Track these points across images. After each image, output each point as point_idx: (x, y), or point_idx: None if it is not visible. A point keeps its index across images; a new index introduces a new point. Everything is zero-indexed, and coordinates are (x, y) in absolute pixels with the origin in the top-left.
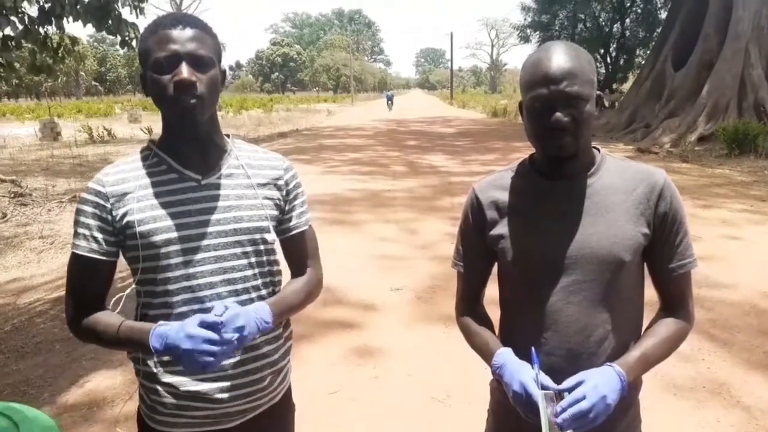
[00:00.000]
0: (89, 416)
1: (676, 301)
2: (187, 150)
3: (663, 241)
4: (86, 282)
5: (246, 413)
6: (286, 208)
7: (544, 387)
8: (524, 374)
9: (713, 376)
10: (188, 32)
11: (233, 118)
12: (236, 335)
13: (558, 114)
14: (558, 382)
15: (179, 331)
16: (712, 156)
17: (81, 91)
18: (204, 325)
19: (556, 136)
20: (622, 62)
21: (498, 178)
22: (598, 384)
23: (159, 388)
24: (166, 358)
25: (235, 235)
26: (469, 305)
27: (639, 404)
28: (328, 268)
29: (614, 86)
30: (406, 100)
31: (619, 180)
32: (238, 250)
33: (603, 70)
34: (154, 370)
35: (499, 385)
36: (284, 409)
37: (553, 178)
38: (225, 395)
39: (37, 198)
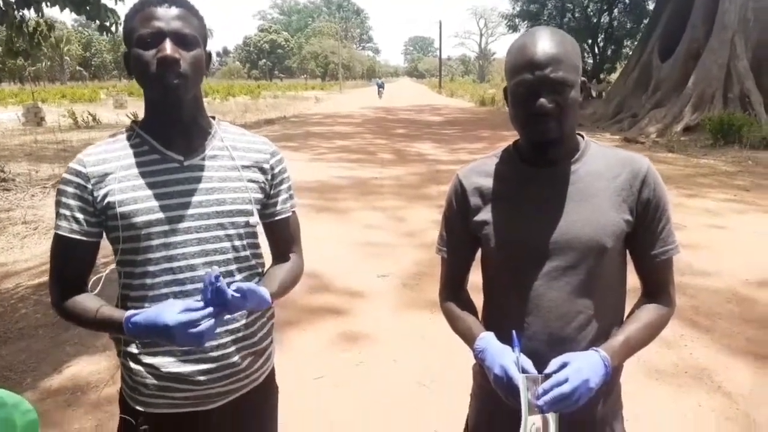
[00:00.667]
0: (72, 401)
1: (658, 287)
2: (169, 131)
3: (645, 227)
4: (68, 262)
5: (227, 395)
6: (271, 192)
7: (524, 370)
8: (505, 358)
9: (695, 362)
10: (173, 11)
11: (220, 104)
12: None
13: (542, 99)
14: (540, 366)
15: (155, 321)
16: (698, 146)
17: (65, 76)
18: (188, 310)
19: (540, 122)
20: (609, 52)
21: (482, 164)
22: (581, 367)
23: (140, 368)
24: (148, 340)
25: (218, 218)
26: (452, 291)
27: (620, 388)
28: (315, 254)
29: (602, 76)
30: (394, 88)
31: (603, 167)
32: (221, 232)
33: (591, 60)
34: (135, 351)
35: (481, 368)
36: (267, 391)
37: (537, 165)
38: (205, 377)
39: (20, 183)
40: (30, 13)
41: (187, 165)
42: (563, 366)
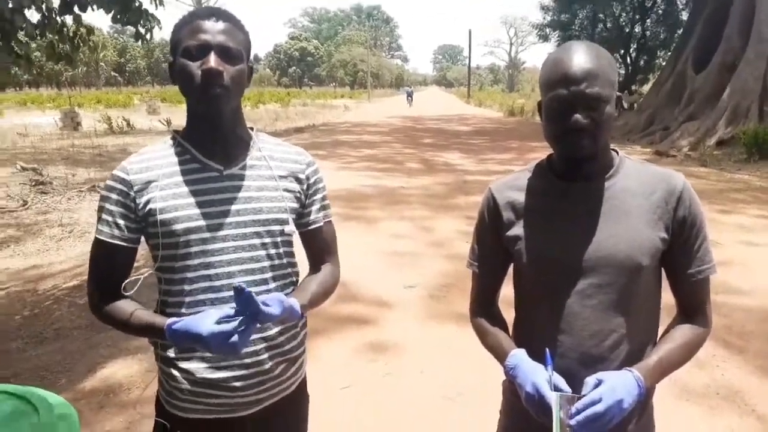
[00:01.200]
0: (105, 403)
1: (693, 306)
2: (210, 140)
3: (682, 246)
4: (108, 267)
5: (260, 402)
6: (306, 202)
7: (557, 388)
8: (538, 375)
9: (727, 383)
10: (220, 25)
11: (251, 111)
12: (276, 310)
13: (577, 115)
14: (571, 385)
15: (193, 332)
16: (732, 160)
17: (101, 82)
18: (224, 318)
19: (575, 138)
20: (642, 63)
21: (515, 178)
22: (615, 386)
23: (176, 373)
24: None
25: (255, 226)
26: (483, 306)
27: (652, 409)
28: (343, 263)
29: (633, 87)
30: (422, 97)
31: (638, 183)
32: (257, 241)
33: (623, 71)
34: (172, 356)
35: (511, 385)
36: (299, 399)
37: (571, 180)
38: (239, 383)
39: (57, 186)
40: (70, 19)
41: (227, 174)
42: (597, 385)
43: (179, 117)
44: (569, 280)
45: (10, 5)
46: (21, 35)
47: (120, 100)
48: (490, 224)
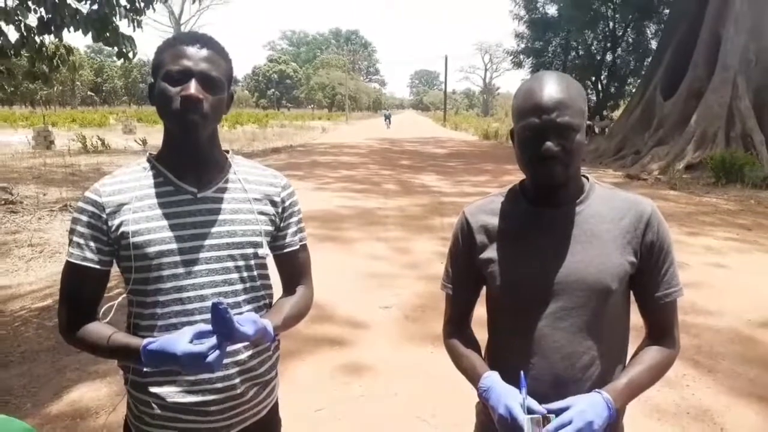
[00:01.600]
0: (72, 427)
1: (662, 329)
2: (184, 163)
3: (650, 269)
4: (79, 290)
5: (231, 427)
6: (281, 225)
7: (530, 411)
8: (510, 398)
9: (697, 403)
10: (204, 52)
11: (228, 132)
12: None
13: (549, 143)
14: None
15: (167, 352)
16: (700, 184)
17: (76, 101)
18: (197, 336)
19: (546, 165)
20: (613, 90)
21: (488, 202)
22: (585, 409)
23: (146, 398)
24: (154, 370)
25: (228, 249)
26: (456, 327)
27: (623, 430)
28: (318, 284)
29: (605, 113)
30: (400, 120)
31: (607, 208)
32: (230, 263)
33: (594, 98)
34: (142, 380)
35: (484, 407)
36: (270, 424)
37: (543, 206)
38: (211, 408)
39: (27, 206)
40: (50, 38)
41: (201, 197)
42: (566, 408)
43: (155, 137)
44: (540, 303)
45: None
46: None
47: (95, 119)
48: (464, 247)
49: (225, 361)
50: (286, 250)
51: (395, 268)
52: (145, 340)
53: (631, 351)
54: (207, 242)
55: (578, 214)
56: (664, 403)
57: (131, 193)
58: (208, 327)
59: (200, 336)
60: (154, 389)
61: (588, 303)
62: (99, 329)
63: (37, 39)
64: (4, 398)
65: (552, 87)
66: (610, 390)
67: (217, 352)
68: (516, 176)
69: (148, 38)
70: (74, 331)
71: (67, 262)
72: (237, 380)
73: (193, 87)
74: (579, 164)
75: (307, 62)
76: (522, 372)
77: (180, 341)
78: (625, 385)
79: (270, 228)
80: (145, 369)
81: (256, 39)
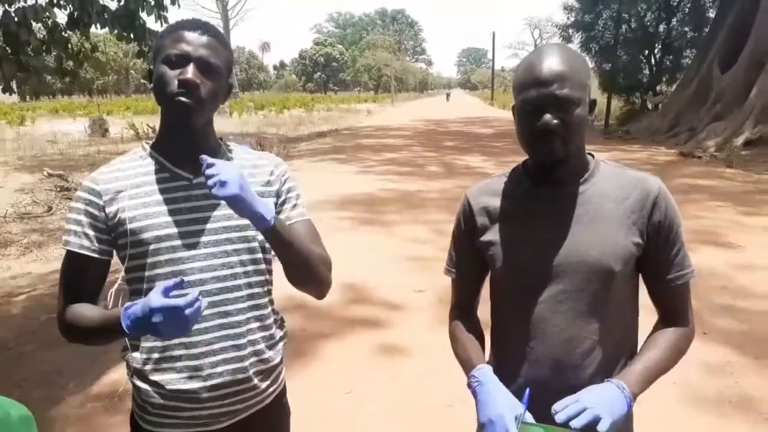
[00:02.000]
0: (110, 406)
1: (675, 313)
2: (180, 150)
3: (658, 251)
4: (78, 279)
5: (235, 414)
6: (278, 201)
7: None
8: (506, 408)
9: (740, 391)
10: (204, 38)
11: (275, 117)
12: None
13: (547, 116)
14: (543, 393)
15: (144, 307)
16: (759, 161)
17: (131, 89)
18: (167, 291)
19: (545, 139)
20: (667, 63)
21: (491, 183)
22: (602, 409)
23: (147, 387)
24: (155, 356)
25: (226, 233)
26: (461, 313)
27: (632, 417)
28: (356, 266)
29: (658, 88)
30: (445, 100)
31: (613, 187)
32: (229, 247)
33: (647, 72)
34: (143, 368)
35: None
36: (276, 411)
37: (545, 184)
38: (211, 394)
39: None
40: (76, 35)
41: (196, 183)
42: (581, 409)
43: None
44: (541, 286)
45: (15, 19)
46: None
47: (148, 107)
48: (466, 230)
49: (225, 344)
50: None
51: (434, 251)
52: (126, 304)
53: (641, 340)
54: (204, 227)
55: (581, 194)
56: (704, 390)
57: (128, 180)
58: (170, 282)
59: (167, 291)
60: (154, 377)
61: (589, 286)
62: (85, 309)
63: (65, 35)
64: (50, 377)
65: (552, 60)
66: (627, 378)
67: (198, 303)
68: None
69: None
70: (66, 315)
71: (67, 251)
72: (237, 366)
73: (191, 71)
74: (582, 141)
75: (353, 44)
76: (528, 389)
77: (154, 295)
78: (641, 373)
79: None
80: (143, 356)
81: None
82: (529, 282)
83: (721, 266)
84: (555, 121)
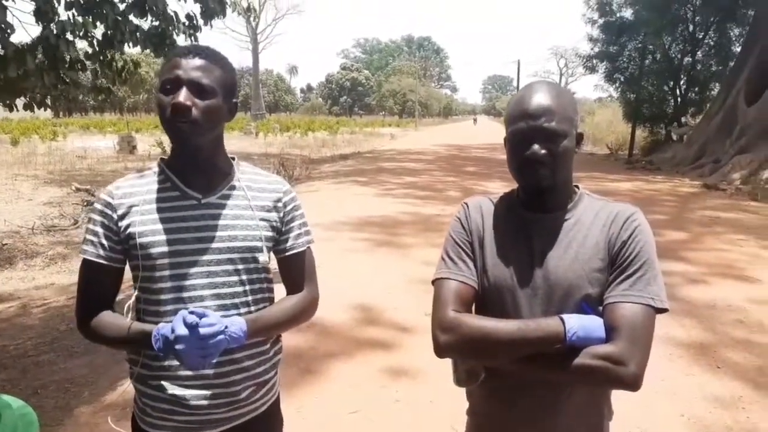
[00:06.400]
0: (122, 416)
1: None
2: (190, 169)
3: (615, 269)
4: (94, 286)
5: (229, 421)
6: (283, 229)
7: None
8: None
9: (752, 426)
10: (196, 62)
11: (300, 138)
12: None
13: (535, 146)
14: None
15: (170, 333)
16: None
17: None
18: (186, 325)
19: (533, 168)
20: (692, 95)
21: (485, 201)
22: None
23: (148, 390)
24: (156, 363)
25: (228, 253)
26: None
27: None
28: (369, 288)
29: (683, 120)
30: (471, 125)
31: (593, 217)
32: (230, 267)
33: (672, 103)
34: (144, 373)
35: (478, 389)
36: (269, 420)
37: (533, 210)
38: (204, 402)
39: None
40: (117, 53)
41: (204, 203)
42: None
43: (229, 142)
44: (521, 307)
45: (55, 31)
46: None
47: None
48: (466, 234)
49: (222, 359)
50: (288, 254)
51: None
52: (160, 324)
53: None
54: (208, 246)
55: (565, 222)
56: (715, 425)
57: (140, 196)
58: (190, 318)
59: (187, 326)
60: (154, 382)
61: (566, 309)
62: (116, 319)
63: (107, 53)
64: (65, 386)
65: (540, 95)
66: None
67: (222, 335)
68: (586, 183)
69: (229, 48)
70: (89, 323)
71: (83, 259)
72: (230, 379)
73: (182, 95)
74: (568, 171)
75: (379, 69)
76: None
77: (178, 321)
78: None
79: (271, 234)
80: (158, 354)
81: (330, 47)
82: (510, 302)
83: (738, 300)
84: (543, 151)
